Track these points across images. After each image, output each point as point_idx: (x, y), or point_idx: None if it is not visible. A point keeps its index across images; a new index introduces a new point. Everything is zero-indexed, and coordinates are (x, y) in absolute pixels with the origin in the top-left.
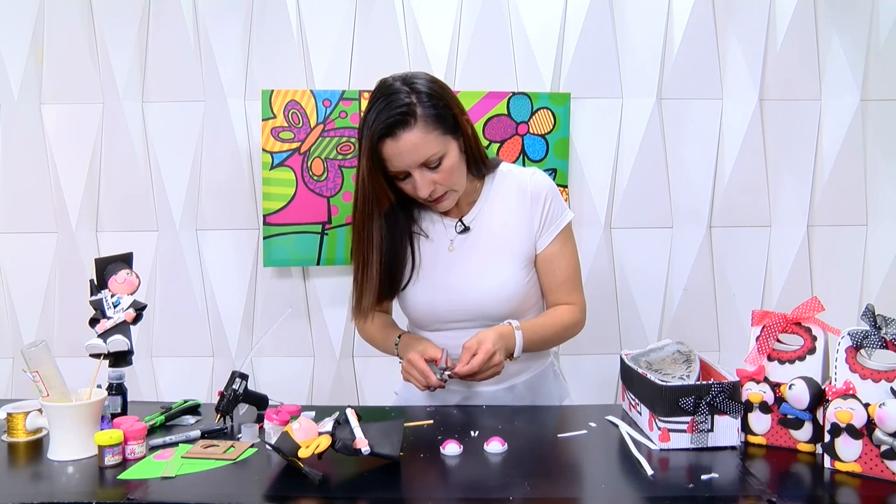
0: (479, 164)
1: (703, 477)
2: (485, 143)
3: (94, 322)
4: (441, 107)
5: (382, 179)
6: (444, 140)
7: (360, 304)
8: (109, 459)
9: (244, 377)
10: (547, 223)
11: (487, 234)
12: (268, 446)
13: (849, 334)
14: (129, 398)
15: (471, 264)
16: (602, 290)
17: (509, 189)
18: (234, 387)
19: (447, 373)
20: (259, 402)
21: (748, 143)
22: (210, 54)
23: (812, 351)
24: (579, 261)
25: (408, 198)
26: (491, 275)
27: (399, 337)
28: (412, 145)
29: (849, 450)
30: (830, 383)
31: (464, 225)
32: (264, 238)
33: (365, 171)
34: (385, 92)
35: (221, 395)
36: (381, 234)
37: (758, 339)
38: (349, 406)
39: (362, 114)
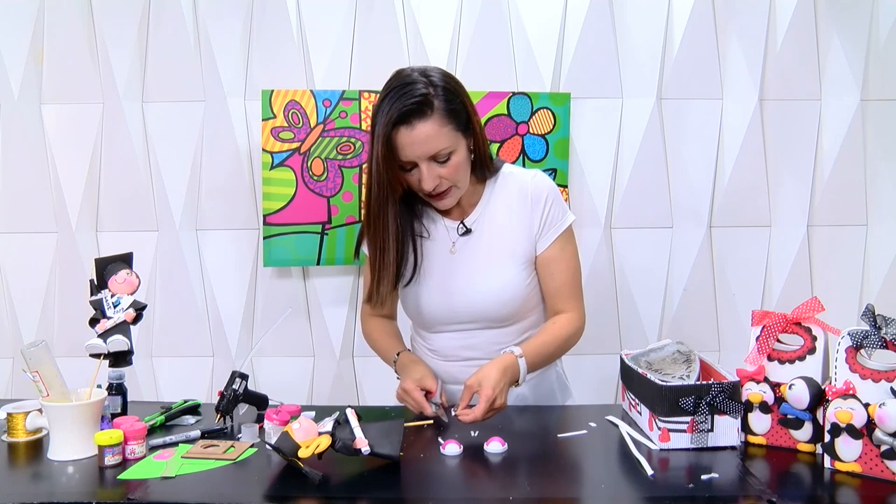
0: (483, 167)
1: (703, 477)
2: None
3: (94, 322)
4: (457, 103)
5: (396, 166)
6: (455, 136)
7: (378, 290)
8: (109, 459)
9: (244, 377)
10: (547, 225)
11: (489, 237)
12: (268, 446)
13: (849, 334)
14: (129, 398)
15: (472, 266)
16: (602, 290)
17: (511, 191)
18: (234, 387)
19: (444, 417)
20: (259, 402)
21: (748, 143)
22: (210, 54)
23: (812, 351)
24: (580, 266)
25: (410, 196)
26: (492, 277)
27: (398, 354)
28: (425, 136)
29: (849, 450)
30: (830, 383)
31: (465, 227)
32: (264, 238)
33: (380, 157)
34: (403, 81)
35: (221, 395)
36: (396, 221)
37: (758, 339)
38: (349, 406)
39: (376, 101)
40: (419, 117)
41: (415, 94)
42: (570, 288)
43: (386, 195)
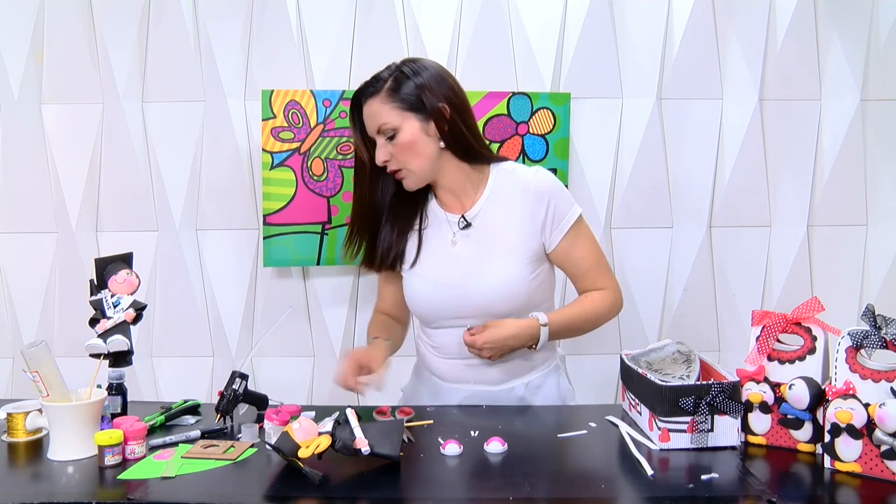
0: (468, 153)
1: (703, 477)
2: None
3: (94, 322)
4: (410, 85)
5: (362, 136)
6: (401, 115)
7: (350, 243)
8: (109, 459)
9: (244, 377)
10: (554, 222)
11: (490, 232)
12: (268, 446)
13: (849, 334)
14: (129, 398)
15: (472, 260)
16: None
17: (513, 187)
18: (234, 387)
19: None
20: (259, 402)
21: (748, 143)
22: (210, 54)
23: (812, 351)
24: (599, 247)
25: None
26: (492, 271)
27: (375, 338)
28: (371, 112)
29: (849, 450)
30: (830, 383)
31: (466, 221)
32: (264, 238)
33: (355, 132)
34: (380, 70)
35: (221, 395)
36: (373, 183)
37: (758, 339)
38: (349, 406)
39: None
40: (369, 96)
41: (375, 77)
42: (597, 270)
43: (359, 161)
